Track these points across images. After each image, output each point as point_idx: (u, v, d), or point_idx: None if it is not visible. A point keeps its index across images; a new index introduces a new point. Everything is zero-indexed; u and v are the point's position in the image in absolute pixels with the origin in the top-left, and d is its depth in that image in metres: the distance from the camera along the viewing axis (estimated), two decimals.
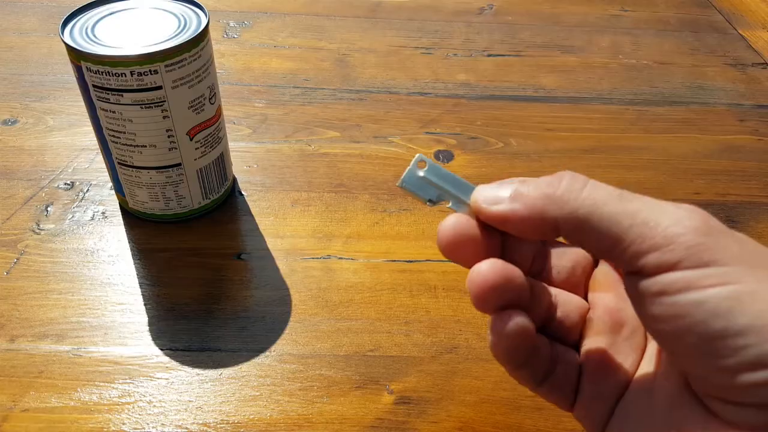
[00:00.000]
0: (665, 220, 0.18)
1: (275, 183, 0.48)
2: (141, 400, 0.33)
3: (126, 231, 0.43)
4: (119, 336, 0.36)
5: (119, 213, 0.44)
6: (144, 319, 0.37)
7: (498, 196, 0.21)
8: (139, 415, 0.33)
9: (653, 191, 0.48)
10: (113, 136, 0.39)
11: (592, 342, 0.24)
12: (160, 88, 0.37)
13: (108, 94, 0.37)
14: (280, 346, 0.36)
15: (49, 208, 0.45)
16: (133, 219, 0.44)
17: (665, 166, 0.52)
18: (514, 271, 0.21)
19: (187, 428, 0.32)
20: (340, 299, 0.39)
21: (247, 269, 0.41)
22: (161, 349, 0.36)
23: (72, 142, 0.51)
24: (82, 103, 0.39)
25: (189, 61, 0.37)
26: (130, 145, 0.39)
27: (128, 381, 0.34)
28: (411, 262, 0.42)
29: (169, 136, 0.39)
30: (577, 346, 0.24)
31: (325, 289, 0.40)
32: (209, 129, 0.41)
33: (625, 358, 0.23)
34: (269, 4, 0.72)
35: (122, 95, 0.37)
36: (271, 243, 0.43)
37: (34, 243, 0.42)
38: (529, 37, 0.69)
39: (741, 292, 0.17)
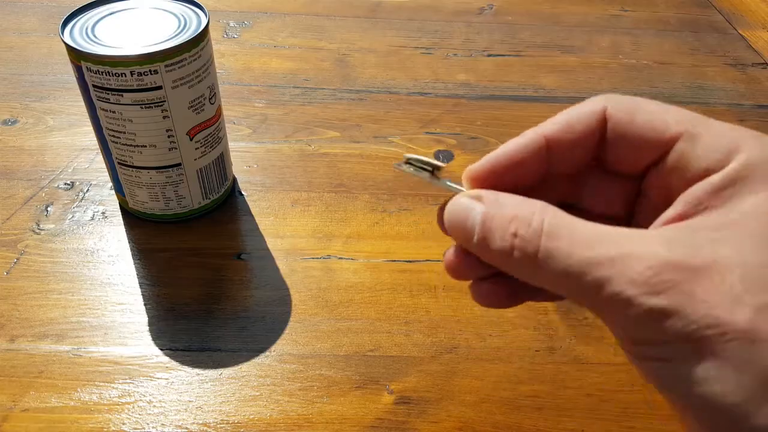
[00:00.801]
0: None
1: (275, 183, 0.48)
2: (141, 400, 0.33)
3: (126, 231, 0.43)
4: (119, 336, 0.36)
5: (119, 213, 0.44)
6: (144, 319, 0.37)
7: (464, 227, 0.20)
8: (139, 415, 0.33)
9: None
10: (113, 136, 0.39)
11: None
12: (160, 88, 0.37)
13: (108, 94, 0.37)
14: (280, 346, 0.36)
15: (49, 208, 0.45)
16: (133, 219, 0.44)
17: None
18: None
19: (187, 428, 0.32)
20: (340, 299, 0.39)
21: (247, 269, 0.41)
22: (161, 349, 0.36)
23: (72, 142, 0.51)
24: (82, 103, 0.39)
25: (189, 61, 0.37)
26: (130, 145, 0.39)
27: (128, 381, 0.34)
28: (411, 262, 0.42)
29: (169, 136, 0.39)
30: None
31: (325, 289, 0.40)
32: (209, 129, 0.41)
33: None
34: (269, 4, 0.72)
35: (122, 95, 0.37)
36: (271, 243, 0.43)
37: (34, 243, 0.42)
38: (529, 37, 0.69)
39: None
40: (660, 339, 0.16)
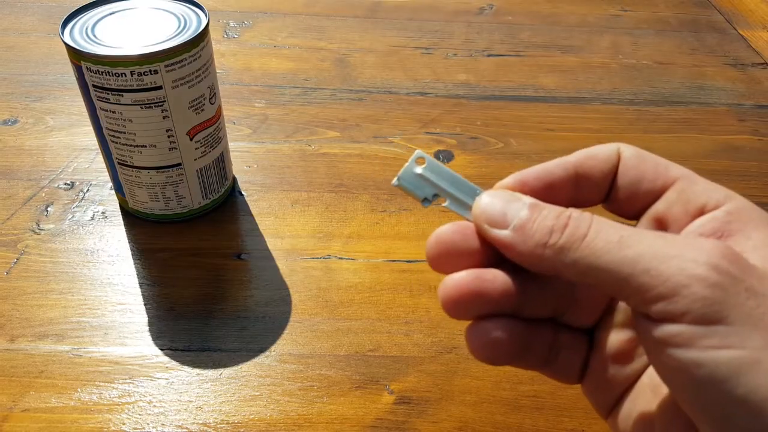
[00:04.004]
0: (668, 269, 0.17)
1: (275, 183, 0.48)
2: (141, 400, 0.33)
3: (126, 231, 0.43)
4: (119, 336, 0.36)
5: (119, 213, 0.44)
6: (144, 319, 0.37)
7: (503, 217, 0.20)
8: (139, 415, 0.33)
9: None
10: (113, 136, 0.39)
11: (610, 330, 0.23)
12: (160, 88, 0.37)
13: (108, 94, 0.37)
14: (280, 346, 0.36)
15: (49, 208, 0.45)
16: (133, 219, 0.44)
17: None
18: (490, 283, 0.20)
19: (187, 428, 0.32)
20: (340, 299, 0.39)
21: (247, 269, 0.41)
22: (161, 349, 0.36)
23: (72, 142, 0.51)
24: (82, 103, 0.39)
25: (189, 61, 0.37)
26: (130, 145, 0.39)
27: (128, 381, 0.34)
28: (411, 262, 0.42)
29: (169, 136, 0.39)
30: (592, 329, 0.23)
31: (325, 289, 0.40)
32: (209, 129, 0.41)
33: (641, 353, 0.22)
34: (269, 4, 0.72)
35: (122, 95, 0.37)
36: (271, 243, 0.43)
37: (34, 243, 0.42)
38: (529, 37, 0.69)
39: (743, 361, 0.16)
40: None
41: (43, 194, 0.46)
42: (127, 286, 0.39)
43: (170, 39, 0.37)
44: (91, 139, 0.51)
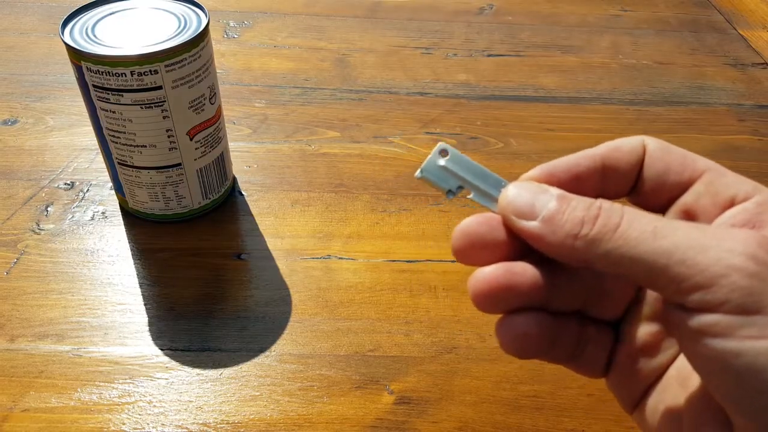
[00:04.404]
0: (705, 259, 0.17)
1: (275, 183, 0.48)
2: (141, 400, 0.33)
3: (126, 231, 0.43)
4: (119, 336, 0.36)
5: (119, 213, 0.44)
6: (144, 319, 0.37)
7: (531, 208, 0.20)
8: (139, 415, 0.33)
9: None
10: (113, 136, 0.39)
11: (636, 323, 0.23)
12: (160, 88, 0.37)
13: (108, 94, 0.37)
14: (280, 346, 0.36)
15: (49, 208, 0.45)
16: (133, 219, 0.44)
17: None
18: (520, 276, 0.20)
19: (187, 428, 0.32)
20: (340, 299, 0.39)
21: (247, 269, 0.41)
22: (161, 349, 0.36)
23: (72, 142, 0.51)
24: (82, 103, 0.39)
25: (189, 61, 0.37)
26: (130, 145, 0.39)
27: (128, 381, 0.34)
28: (411, 262, 0.42)
29: (169, 136, 0.39)
30: (617, 322, 0.23)
31: (325, 289, 0.40)
32: (209, 129, 0.41)
33: (668, 345, 0.22)
34: (269, 4, 0.72)
35: (122, 95, 0.37)
36: (271, 243, 0.43)
37: (34, 243, 0.42)
38: (529, 37, 0.69)
39: None
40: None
41: (43, 194, 0.46)
42: (127, 286, 0.39)
43: (170, 39, 0.37)
44: (91, 139, 0.51)
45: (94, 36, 0.37)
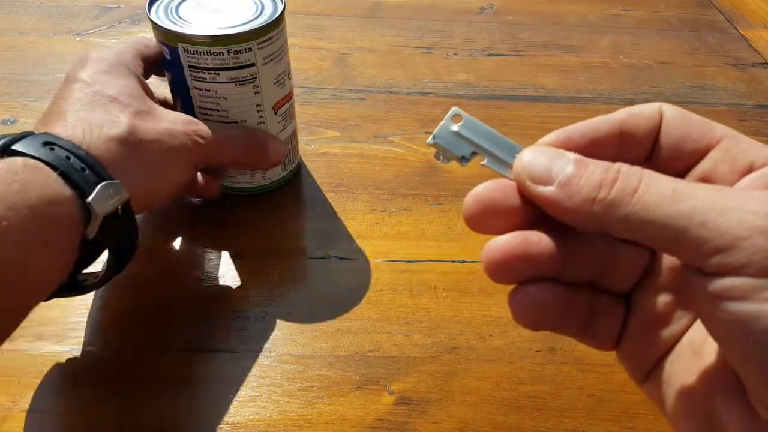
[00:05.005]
0: (726, 221, 0.17)
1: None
2: (141, 401, 0.33)
3: None
4: (119, 336, 0.36)
5: None
6: (143, 319, 0.37)
7: (547, 173, 0.20)
8: (139, 415, 0.33)
9: None
10: (206, 114, 0.40)
11: (648, 294, 0.22)
12: (253, 65, 0.39)
13: (204, 73, 0.38)
14: (280, 346, 0.36)
15: None
16: None
17: None
18: (536, 246, 0.20)
19: (186, 428, 0.32)
20: (340, 299, 0.39)
21: (247, 269, 0.41)
22: (161, 350, 0.36)
23: None
24: None
25: (275, 39, 0.39)
26: (223, 122, 0.41)
27: (128, 381, 0.34)
28: (411, 262, 0.42)
29: (258, 111, 0.41)
30: (629, 294, 0.23)
31: (325, 289, 0.40)
32: (288, 103, 0.43)
33: (681, 315, 0.22)
34: None
35: (218, 74, 0.38)
36: (272, 243, 0.43)
37: None
38: (529, 37, 0.68)
39: None
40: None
41: None
42: (126, 286, 0.39)
43: (257, 18, 0.39)
44: None
45: (181, 17, 0.38)
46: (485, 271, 0.20)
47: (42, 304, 0.38)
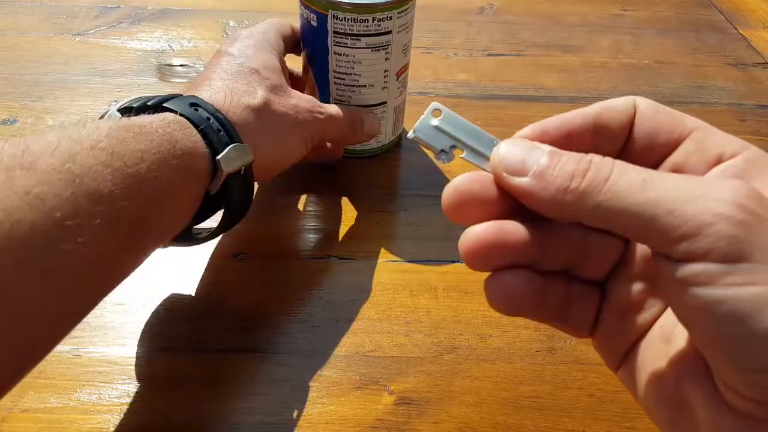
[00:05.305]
0: (692, 209, 0.17)
1: (275, 183, 0.48)
2: (141, 401, 0.33)
3: None
4: (119, 336, 0.36)
5: None
6: (143, 319, 0.37)
7: (522, 165, 0.20)
8: (139, 415, 0.33)
9: None
10: (339, 77, 0.44)
11: (621, 282, 0.23)
12: (389, 32, 0.42)
13: (347, 39, 0.41)
14: (280, 346, 0.36)
15: None
16: None
17: None
18: (511, 235, 0.20)
19: (186, 428, 0.32)
20: (340, 299, 0.39)
21: (247, 269, 0.41)
22: (161, 350, 0.36)
23: None
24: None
25: (410, 9, 0.43)
26: (353, 86, 0.44)
27: (128, 381, 0.34)
28: (411, 262, 0.42)
29: (384, 76, 0.44)
30: (603, 281, 0.24)
31: (325, 289, 0.40)
32: (405, 72, 0.46)
33: (653, 303, 0.22)
34: (269, 3, 0.72)
35: (359, 39, 0.41)
36: (271, 243, 0.43)
37: None
38: (529, 37, 0.68)
39: (764, 296, 0.16)
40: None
41: None
42: (126, 286, 0.39)
43: None
44: None
45: None
46: (462, 258, 0.21)
47: None
